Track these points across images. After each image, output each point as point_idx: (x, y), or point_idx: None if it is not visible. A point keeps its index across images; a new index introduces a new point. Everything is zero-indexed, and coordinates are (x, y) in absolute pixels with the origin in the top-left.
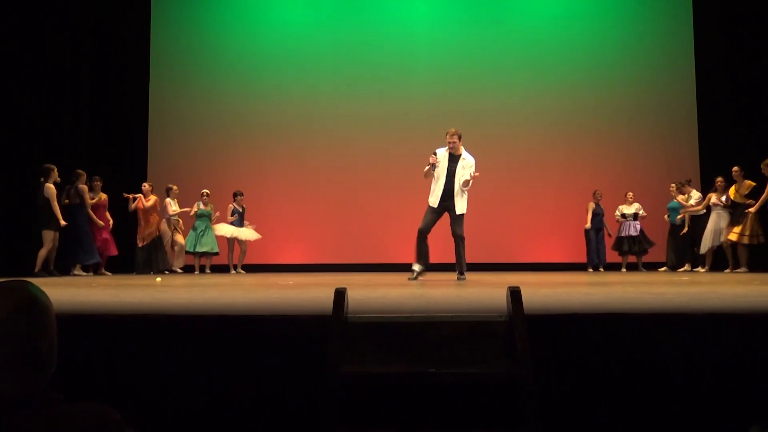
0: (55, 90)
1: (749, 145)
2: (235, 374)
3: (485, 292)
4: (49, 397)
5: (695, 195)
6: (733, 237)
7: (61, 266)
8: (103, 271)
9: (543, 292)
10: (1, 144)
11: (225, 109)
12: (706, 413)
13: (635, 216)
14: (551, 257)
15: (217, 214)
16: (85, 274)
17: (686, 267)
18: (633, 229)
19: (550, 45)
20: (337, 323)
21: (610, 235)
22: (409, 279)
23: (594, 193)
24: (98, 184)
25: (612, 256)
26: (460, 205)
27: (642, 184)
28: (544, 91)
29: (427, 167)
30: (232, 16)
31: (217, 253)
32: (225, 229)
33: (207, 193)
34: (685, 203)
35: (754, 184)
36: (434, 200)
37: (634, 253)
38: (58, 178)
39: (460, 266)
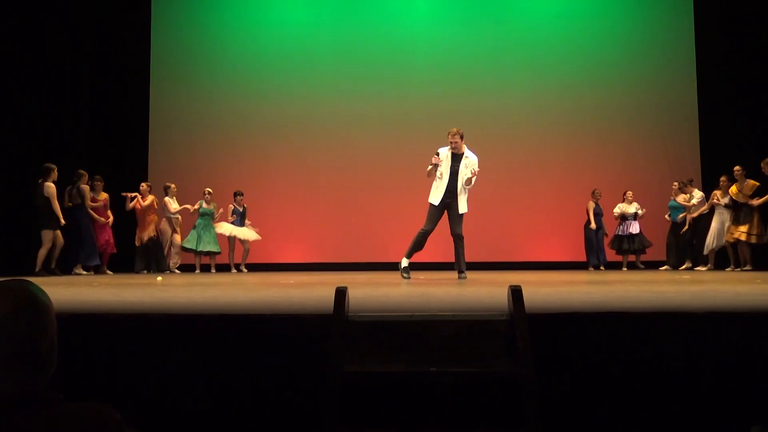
0: (55, 90)
1: (750, 144)
2: (235, 373)
3: (486, 291)
4: (49, 397)
5: (697, 194)
6: (742, 236)
7: (63, 266)
8: (105, 270)
9: (544, 290)
10: (1, 144)
11: (225, 109)
12: (708, 412)
13: (635, 215)
14: (552, 256)
15: (221, 210)
16: (85, 273)
17: (687, 264)
18: (633, 227)
19: (550, 44)
20: (338, 322)
21: (606, 234)
22: (404, 278)
23: (593, 193)
24: (99, 183)
25: (611, 255)
26: (462, 205)
27: (643, 184)
28: (545, 90)
29: (429, 167)
30: (232, 15)
31: (218, 253)
32: (224, 228)
33: (209, 191)
34: (686, 203)
35: (758, 184)
36: (436, 199)
37: (632, 251)
38: (56, 178)
39: (460, 265)
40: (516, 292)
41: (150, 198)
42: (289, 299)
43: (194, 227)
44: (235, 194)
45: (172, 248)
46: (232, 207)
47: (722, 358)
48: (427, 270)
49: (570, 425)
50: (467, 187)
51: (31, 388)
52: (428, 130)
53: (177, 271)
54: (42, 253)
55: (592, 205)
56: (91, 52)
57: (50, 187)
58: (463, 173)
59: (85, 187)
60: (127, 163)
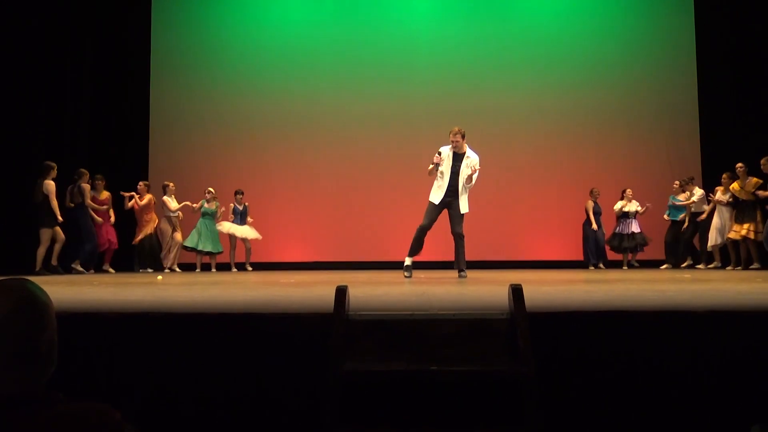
0: (55, 89)
1: (751, 142)
2: (235, 372)
3: (487, 289)
4: (48, 396)
5: (698, 192)
6: (750, 234)
7: (64, 264)
8: (108, 268)
9: (545, 289)
10: (2, 143)
11: (226, 108)
12: (708, 411)
13: (635, 213)
14: (553, 255)
15: (223, 209)
16: (84, 271)
17: (688, 261)
18: (635, 226)
19: (551, 43)
20: (338, 321)
21: (604, 233)
22: (405, 276)
23: (591, 191)
24: (101, 183)
25: (611, 254)
26: (464, 204)
27: (644, 182)
28: (545, 89)
29: (431, 166)
30: (232, 14)
31: (219, 252)
32: (223, 226)
33: (210, 190)
34: (686, 202)
35: (760, 181)
36: (437, 198)
37: (632, 249)
38: (56, 177)
39: (460, 264)
40: (516, 291)
41: (148, 197)
42: (290, 298)
43: (196, 226)
44: (236, 193)
45: (172, 247)
46: (233, 206)
47: (723, 357)
48: (428, 269)
49: (571, 424)
50: (468, 186)
51: (31, 387)
52: (429, 129)
53: (178, 269)
54: (41, 251)
55: (591, 204)
56: (91, 51)
57: (49, 184)
58: (464, 172)
59: (86, 186)
60: (127, 162)
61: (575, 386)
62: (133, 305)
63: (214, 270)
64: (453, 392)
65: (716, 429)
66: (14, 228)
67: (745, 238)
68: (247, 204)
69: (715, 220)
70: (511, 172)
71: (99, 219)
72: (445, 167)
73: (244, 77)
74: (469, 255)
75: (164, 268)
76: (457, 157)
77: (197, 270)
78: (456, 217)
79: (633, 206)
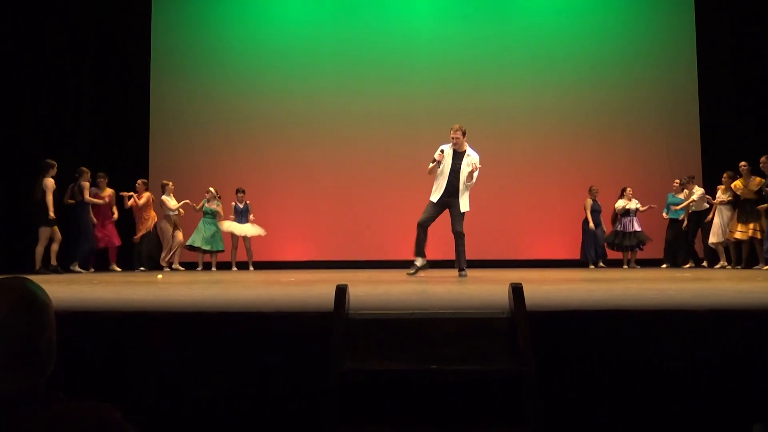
0: (56, 88)
1: (751, 141)
2: (236, 371)
3: (487, 288)
4: (48, 396)
5: (698, 191)
6: (757, 234)
7: (63, 264)
8: (114, 267)
9: (545, 288)
10: (2, 143)
11: (226, 107)
12: (709, 410)
13: (635, 212)
14: (553, 254)
15: (215, 206)
16: (84, 271)
17: (690, 264)
18: (636, 224)
19: (551, 42)
20: (338, 320)
21: (604, 231)
22: (408, 274)
23: (590, 190)
24: (103, 180)
25: (612, 253)
26: (464, 203)
27: (644, 181)
28: (546, 89)
29: (432, 164)
30: (232, 13)
31: (220, 251)
32: (224, 225)
33: (210, 190)
34: (686, 202)
35: (764, 180)
36: (436, 196)
37: (632, 248)
38: (56, 175)
39: (460, 263)
40: (517, 290)
41: (146, 195)
42: (290, 297)
43: (198, 226)
44: (237, 191)
45: (173, 246)
46: (234, 204)
47: (723, 356)
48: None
49: (571, 423)
50: (469, 184)
51: (31, 386)
52: (429, 128)
53: (181, 268)
54: (39, 250)
55: (589, 203)
56: (91, 50)
57: (48, 181)
58: (465, 171)
59: (85, 183)
60: (127, 161)
61: (575, 385)
62: (133, 304)
63: (214, 269)
64: (453, 391)
65: (717, 428)
66: (14, 227)
67: (752, 238)
68: (248, 202)
69: (716, 220)
70: (511, 171)
71: (94, 219)
72: (445, 166)
73: (244, 77)
74: (470, 254)
75: (164, 267)
76: (457, 156)
77: (199, 268)
78: (456, 216)
79: (633, 204)
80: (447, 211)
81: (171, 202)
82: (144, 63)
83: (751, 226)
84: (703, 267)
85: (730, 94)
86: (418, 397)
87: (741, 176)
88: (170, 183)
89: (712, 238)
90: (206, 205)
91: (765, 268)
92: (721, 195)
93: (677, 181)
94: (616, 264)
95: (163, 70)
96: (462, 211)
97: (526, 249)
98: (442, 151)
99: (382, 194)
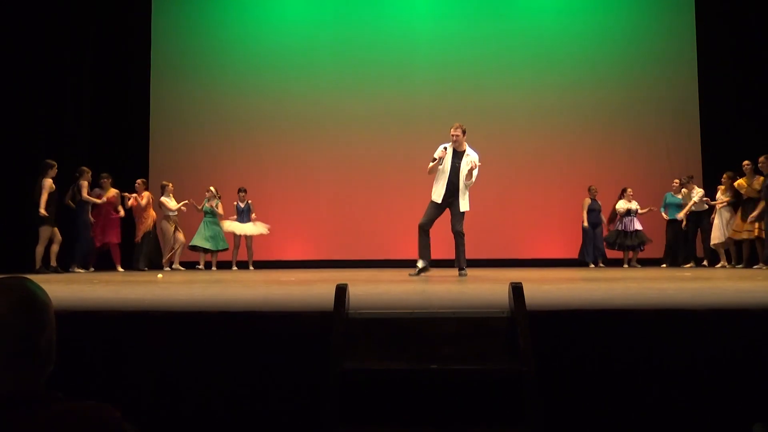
0: (56, 89)
1: (752, 140)
2: (236, 371)
3: (487, 288)
4: (48, 396)
5: (698, 192)
6: (762, 234)
7: (63, 264)
8: (119, 267)
9: (545, 288)
10: (2, 143)
11: (226, 107)
12: (709, 410)
13: (636, 212)
14: (553, 253)
15: (211, 204)
16: (83, 271)
17: (691, 264)
18: (636, 224)
19: (551, 41)
20: (338, 320)
21: (601, 230)
22: (410, 275)
23: (589, 189)
24: (106, 181)
25: (612, 252)
26: (464, 203)
27: (644, 181)
28: (546, 88)
29: (432, 163)
30: (232, 13)
31: (221, 249)
32: (225, 225)
33: (210, 189)
34: (688, 205)
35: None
36: (438, 196)
37: (632, 248)
38: (56, 175)
39: (460, 262)
40: (517, 290)
41: (146, 194)
42: (290, 296)
43: (199, 226)
44: (238, 191)
45: (174, 245)
46: (235, 204)
47: (723, 355)
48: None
49: (571, 423)
50: (468, 183)
51: (30, 386)
52: (429, 128)
53: (182, 268)
54: (39, 249)
55: (587, 202)
56: (91, 51)
57: (46, 181)
58: (464, 170)
59: (83, 183)
60: (127, 162)
61: (575, 385)
62: (133, 304)
63: (214, 268)
64: (453, 391)
65: (717, 428)
66: (14, 227)
67: (758, 237)
68: (250, 201)
69: (716, 221)
70: (511, 170)
71: (92, 219)
72: (445, 165)
73: (244, 77)
74: (470, 253)
75: (164, 267)
76: (457, 155)
77: (200, 267)
78: (456, 216)
79: (633, 205)
80: (447, 210)
81: (171, 203)
82: (144, 63)
83: (757, 225)
84: (704, 266)
85: (730, 94)
86: (418, 396)
87: (744, 175)
88: (170, 184)
89: (714, 240)
90: (206, 204)
91: (765, 268)
92: (720, 195)
93: (676, 180)
94: (615, 263)
95: (164, 70)
96: (462, 210)
97: (526, 248)
98: (445, 148)
99: (382, 194)
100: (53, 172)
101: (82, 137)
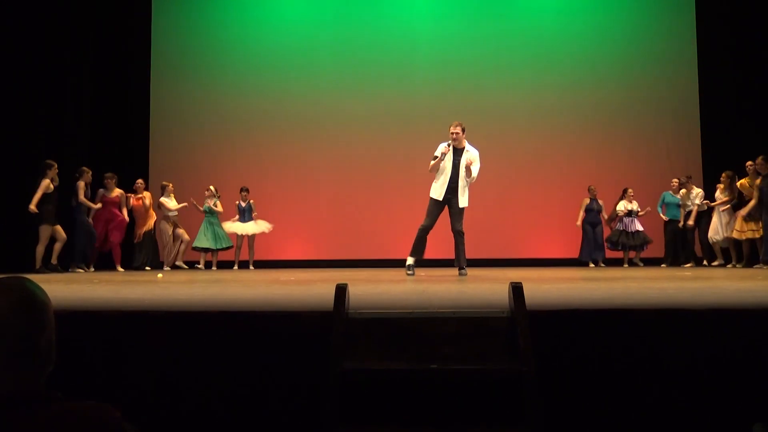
0: (56, 89)
1: (752, 140)
2: (236, 370)
3: (487, 287)
4: (47, 396)
5: (696, 191)
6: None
7: (64, 263)
8: (119, 268)
9: (545, 287)
10: (2, 143)
11: (226, 107)
12: (709, 410)
13: (637, 213)
14: (553, 253)
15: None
16: (83, 270)
17: (691, 264)
18: (637, 224)
19: (551, 41)
20: (338, 319)
21: (602, 230)
22: (407, 274)
23: (588, 189)
24: (110, 181)
25: (611, 252)
26: (463, 199)
27: (644, 181)
28: (546, 88)
29: (433, 161)
30: (232, 13)
31: (221, 248)
32: (226, 226)
33: (210, 188)
34: (693, 207)
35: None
36: (438, 194)
37: (633, 247)
38: (56, 175)
39: (460, 261)
40: (517, 289)
41: (146, 195)
42: (290, 296)
43: (201, 227)
44: (240, 190)
45: (177, 245)
46: (237, 203)
47: (724, 355)
48: (428, 267)
49: (571, 423)
50: (469, 179)
51: (30, 386)
52: (429, 128)
53: (185, 266)
54: (39, 249)
55: (586, 202)
56: (92, 50)
57: (44, 181)
58: (464, 168)
59: (80, 184)
60: (127, 161)
61: (575, 385)
62: (133, 303)
63: (214, 268)
64: (453, 391)
65: (717, 428)
66: (14, 227)
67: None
68: (252, 201)
69: (714, 219)
70: (511, 170)
71: (89, 220)
72: (446, 163)
73: (244, 76)
74: (470, 253)
75: (164, 267)
76: (457, 152)
77: (200, 266)
78: (456, 215)
79: (634, 206)
80: (446, 209)
81: (170, 203)
82: (144, 63)
83: (760, 224)
84: (704, 266)
85: (730, 94)
86: (418, 396)
87: (747, 176)
88: (170, 184)
89: (711, 233)
90: (206, 203)
91: (766, 267)
92: (719, 194)
93: (675, 180)
94: (615, 263)
95: (164, 70)
96: (461, 206)
97: (526, 248)
98: (448, 145)
99: (382, 193)
100: (52, 172)
101: (82, 137)
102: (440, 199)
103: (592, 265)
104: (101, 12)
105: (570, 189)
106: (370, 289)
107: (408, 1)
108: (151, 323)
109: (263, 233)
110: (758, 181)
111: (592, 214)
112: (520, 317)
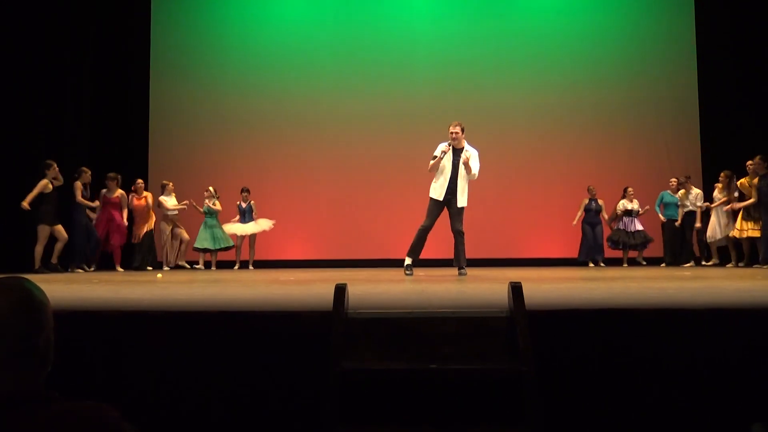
0: (56, 88)
1: (751, 140)
2: (235, 371)
3: (486, 287)
4: (45, 396)
5: (695, 191)
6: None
7: (64, 263)
8: (118, 268)
9: (544, 287)
10: (2, 143)
11: (226, 107)
12: (709, 410)
13: (637, 212)
14: (552, 252)
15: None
16: (82, 270)
17: (690, 263)
18: (638, 224)
19: (551, 40)
20: (337, 319)
21: (602, 230)
22: (406, 274)
23: (588, 189)
24: (111, 182)
25: (611, 251)
26: (462, 199)
27: (644, 181)
28: (545, 88)
29: (433, 161)
30: (232, 12)
31: (231, 245)
32: (227, 227)
33: (209, 189)
34: (697, 206)
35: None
36: (438, 194)
37: (634, 247)
38: (56, 175)
39: (460, 261)
40: (516, 289)
41: (146, 195)
42: (289, 296)
43: (200, 228)
44: (241, 191)
45: (176, 244)
46: (238, 204)
47: (723, 355)
48: (427, 266)
49: (571, 423)
50: (470, 176)
51: (28, 386)
52: (429, 128)
53: (187, 265)
54: (38, 249)
55: (584, 202)
56: (91, 50)
57: (42, 182)
58: (463, 168)
59: (76, 184)
60: (127, 161)
61: (575, 384)
62: (132, 304)
63: (213, 268)
64: (453, 391)
65: (716, 427)
66: (14, 227)
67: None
68: (253, 202)
69: (713, 219)
70: (511, 170)
71: (91, 216)
72: (445, 163)
73: (243, 76)
74: (469, 253)
75: (163, 266)
76: (456, 153)
77: (199, 267)
78: (455, 214)
79: (635, 205)
80: (446, 209)
81: (169, 202)
82: (144, 63)
83: (761, 224)
84: (704, 266)
85: (730, 94)
86: (417, 396)
87: (747, 175)
88: (170, 183)
89: (709, 233)
90: (206, 204)
91: (766, 267)
92: (717, 194)
93: (674, 180)
94: (615, 263)
95: (163, 69)
96: (460, 206)
97: (526, 248)
98: (448, 144)
99: (381, 193)
100: (51, 172)
101: (81, 137)
102: (440, 199)
103: (591, 264)
104: (101, 12)
105: (570, 189)
106: (369, 289)
107: (408, 1)
108: (151, 323)
109: (264, 232)
110: (755, 180)
111: (590, 214)
112: (520, 317)
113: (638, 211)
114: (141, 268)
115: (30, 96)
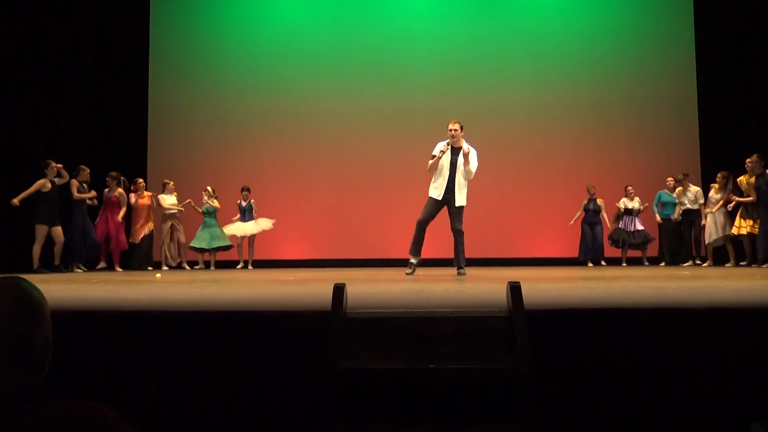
0: (55, 88)
1: (750, 139)
2: (234, 370)
3: (485, 287)
4: (43, 396)
5: (693, 190)
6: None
7: (65, 263)
8: (117, 268)
9: (543, 287)
10: (2, 143)
11: (225, 107)
12: (708, 409)
13: (638, 211)
14: (551, 252)
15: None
16: (82, 270)
17: (689, 263)
18: (638, 223)
19: (551, 40)
20: (336, 319)
21: (601, 230)
22: (407, 274)
23: (587, 188)
24: (112, 181)
25: (610, 251)
26: (460, 198)
27: (643, 180)
28: (545, 88)
29: (431, 161)
30: (231, 12)
31: (230, 245)
32: (227, 227)
33: (207, 189)
34: (699, 207)
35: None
36: (437, 193)
37: (635, 246)
38: (55, 174)
39: (459, 261)
40: (515, 289)
41: (146, 194)
42: (288, 296)
43: (199, 228)
44: (242, 190)
45: (171, 244)
46: (238, 203)
47: (722, 354)
48: (427, 266)
49: (569, 422)
50: (467, 169)
51: (26, 386)
52: (428, 128)
53: (187, 267)
54: (36, 249)
55: (584, 201)
56: (90, 50)
57: (40, 181)
58: (461, 164)
59: (72, 182)
60: (126, 161)
61: (574, 384)
62: (131, 303)
63: (212, 268)
64: (451, 390)
65: (716, 427)
66: (14, 227)
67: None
68: (253, 201)
69: (709, 220)
70: (510, 169)
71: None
72: (444, 163)
73: (242, 76)
74: (468, 252)
75: (162, 266)
76: (455, 151)
77: (199, 267)
78: (455, 214)
79: (635, 204)
80: (445, 208)
81: (167, 200)
82: (142, 63)
83: (759, 222)
84: (698, 265)
85: (729, 94)
86: (416, 396)
87: (746, 173)
88: (171, 182)
89: (708, 239)
90: (204, 204)
91: (765, 267)
92: (713, 194)
93: (671, 179)
94: (614, 263)
95: (162, 69)
96: (458, 205)
97: (525, 248)
98: (448, 143)
99: (380, 193)
100: (50, 171)
101: (80, 137)
102: (439, 198)
103: (590, 264)
104: (100, 12)
105: (569, 188)
106: (368, 288)
107: (407, 1)
108: (150, 323)
109: (263, 231)
110: (752, 179)
111: (590, 213)
112: (518, 317)
113: (639, 209)
114: (140, 267)
115: (29, 96)
